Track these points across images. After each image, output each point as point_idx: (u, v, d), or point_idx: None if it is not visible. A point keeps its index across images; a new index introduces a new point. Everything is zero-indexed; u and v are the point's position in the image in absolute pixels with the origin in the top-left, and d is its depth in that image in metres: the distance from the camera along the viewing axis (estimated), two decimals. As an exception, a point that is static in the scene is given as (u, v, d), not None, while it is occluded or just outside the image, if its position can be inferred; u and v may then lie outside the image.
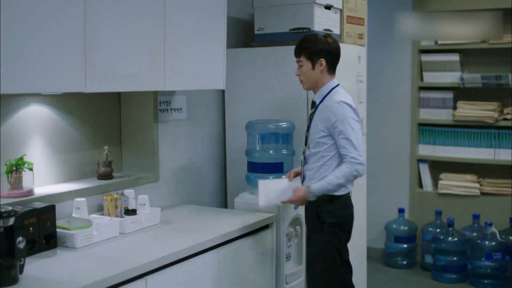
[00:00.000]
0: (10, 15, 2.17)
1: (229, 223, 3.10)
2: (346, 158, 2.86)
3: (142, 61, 2.81)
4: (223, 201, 4.00)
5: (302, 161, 3.08)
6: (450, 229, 4.82)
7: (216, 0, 3.27)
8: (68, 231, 2.60)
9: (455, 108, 5.21)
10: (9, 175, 2.70)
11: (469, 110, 5.13)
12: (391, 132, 5.49)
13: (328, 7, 3.78)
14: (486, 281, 4.71)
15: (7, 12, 2.16)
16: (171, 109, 3.53)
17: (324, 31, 3.66)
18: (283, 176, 3.21)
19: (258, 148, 3.55)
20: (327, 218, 2.95)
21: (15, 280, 2.14)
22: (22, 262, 2.22)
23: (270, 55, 3.76)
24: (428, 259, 5.09)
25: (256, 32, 3.86)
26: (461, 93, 5.25)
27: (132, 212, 2.95)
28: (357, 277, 3.95)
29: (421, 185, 5.43)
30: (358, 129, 2.91)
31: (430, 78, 5.31)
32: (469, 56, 5.23)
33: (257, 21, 3.86)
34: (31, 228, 2.45)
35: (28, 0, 2.25)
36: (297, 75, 3.06)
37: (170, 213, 3.32)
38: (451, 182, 5.22)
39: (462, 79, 5.12)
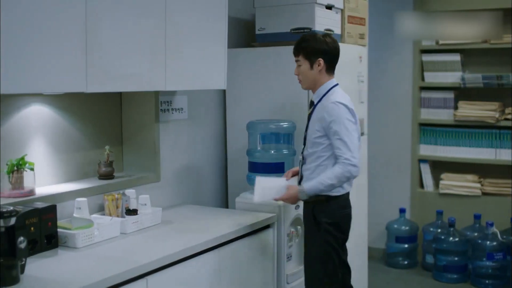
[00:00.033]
0: (10, 15, 2.17)
1: (230, 223, 3.10)
2: (340, 159, 2.84)
3: (143, 61, 2.81)
4: (224, 201, 4.01)
5: (300, 161, 3.08)
6: (451, 229, 4.82)
7: (217, 0, 3.27)
8: (69, 231, 2.60)
9: (456, 108, 5.21)
10: (11, 175, 2.70)
11: (470, 110, 5.13)
12: (392, 132, 5.49)
13: (329, 7, 3.78)
14: (487, 281, 4.70)
15: (7, 12, 2.16)
16: (172, 109, 3.54)
17: (325, 31, 3.66)
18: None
19: (259, 148, 3.54)
20: (323, 218, 2.94)
21: (16, 280, 2.14)
22: (23, 262, 2.23)
23: (271, 55, 3.76)
24: (429, 259, 5.09)
25: (257, 32, 3.86)
26: (462, 93, 5.24)
27: (133, 212, 2.95)
28: (358, 277, 3.96)
29: (422, 185, 5.43)
30: (353, 130, 2.88)
31: (431, 78, 5.31)
32: (470, 56, 5.23)
33: (258, 21, 3.86)
34: (32, 228, 2.45)
35: (29, 0, 2.25)
36: (296, 74, 3.05)
37: (171, 213, 3.32)
38: (452, 182, 5.22)
39: (463, 79, 5.12)
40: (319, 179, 2.88)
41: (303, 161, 3.04)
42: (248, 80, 3.84)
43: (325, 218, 2.94)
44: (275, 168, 3.45)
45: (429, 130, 5.36)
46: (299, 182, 3.06)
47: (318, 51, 2.95)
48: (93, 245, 2.63)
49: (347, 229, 3.04)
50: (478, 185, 5.14)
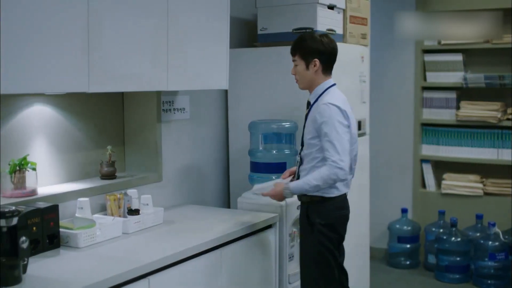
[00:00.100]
0: (11, 15, 2.17)
1: (232, 223, 3.10)
2: (327, 161, 2.80)
3: (145, 61, 2.81)
4: (226, 201, 4.01)
5: (298, 162, 3.05)
6: (453, 229, 4.82)
7: (219, 0, 3.27)
8: (71, 231, 2.61)
9: (458, 108, 5.21)
10: (13, 175, 2.70)
11: (472, 110, 5.12)
12: (394, 132, 5.49)
13: (331, 7, 3.78)
14: (489, 281, 4.70)
15: (8, 12, 2.16)
16: (174, 109, 3.54)
17: (327, 31, 3.66)
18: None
19: (261, 148, 3.54)
20: (316, 219, 2.91)
21: (18, 280, 2.14)
22: (25, 262, 2.23)
23: (273, 55, 3.75)
24: (431, 259, 5.08)
25: (259, 32, 3.86)
26: (464, 93, 5.24)
27: (135, 212, 2.95)
28: (360, 277, 3.96)
29: (424, 185, 5.42)
30: (343, 132, 2.82)
31: (433, 78, 5.30)
32: (472, 56, 5.22)
33: (260, 21, 3.86)
34: (34, 228, 2.45)
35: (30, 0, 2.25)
36: (293, 74, 3.02)
37: (173, 213, 3.32)
38: (454, 182, 5.22)
39: (465, 79, 5.11)
40: (305, 179, 2.86)
41: (301, 162, 3.02)
42: (250, 80, 3.84)
43: (319, 219, 2.91)
44: (277, 168, 3.45)
45: (431, 130, 5.36)
46: None
47: (314, 51, 2.91)
48: (95, 245, 2.64)
49: (343, 230, 3.00)
50: (480, 185, 5.13)
